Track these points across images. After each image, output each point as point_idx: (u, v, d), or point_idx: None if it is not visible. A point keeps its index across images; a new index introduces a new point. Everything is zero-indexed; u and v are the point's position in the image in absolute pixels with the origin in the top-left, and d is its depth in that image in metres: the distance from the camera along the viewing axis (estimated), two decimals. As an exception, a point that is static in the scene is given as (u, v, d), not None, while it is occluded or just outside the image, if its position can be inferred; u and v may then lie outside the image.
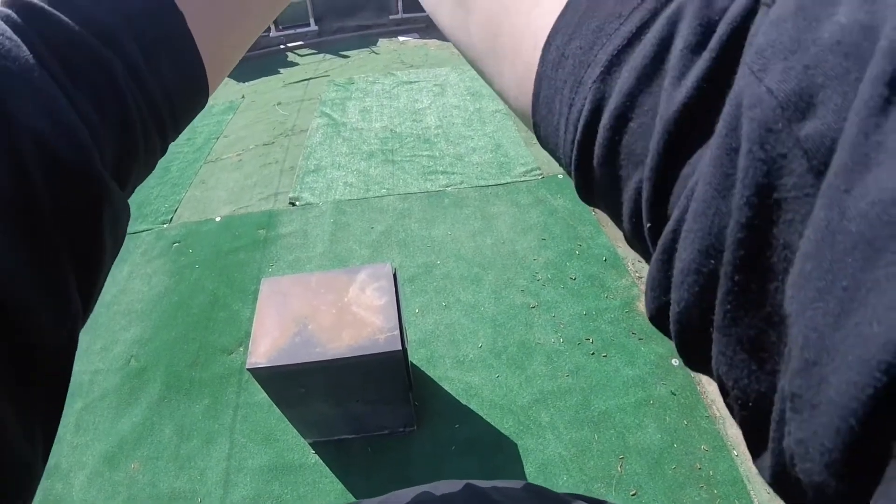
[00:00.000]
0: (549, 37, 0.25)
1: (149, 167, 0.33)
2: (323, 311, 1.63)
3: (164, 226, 3.29)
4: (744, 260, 0.15)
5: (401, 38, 6.10)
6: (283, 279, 1.77)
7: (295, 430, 2.01)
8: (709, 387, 2.20)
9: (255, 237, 3.11)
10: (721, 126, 0.16)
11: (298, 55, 5.74)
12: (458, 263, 2.83)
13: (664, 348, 2.36)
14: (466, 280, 2.73)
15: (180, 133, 0.35)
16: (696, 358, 0.18)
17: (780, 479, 0.15)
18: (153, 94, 0.30)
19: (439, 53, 5.60)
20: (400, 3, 6.19)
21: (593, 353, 2.35)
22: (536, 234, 2.99)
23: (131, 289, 2.84)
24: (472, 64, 0.34)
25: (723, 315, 0.16)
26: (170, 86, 0.31)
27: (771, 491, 1.91)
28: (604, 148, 0.21)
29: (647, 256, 0.22)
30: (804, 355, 0.13)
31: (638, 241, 0.23)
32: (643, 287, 2.44)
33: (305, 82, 5.08)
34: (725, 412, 2.12)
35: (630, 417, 2.12)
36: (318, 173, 3.63)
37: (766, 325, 0.15)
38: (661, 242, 0.19)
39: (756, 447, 0.16)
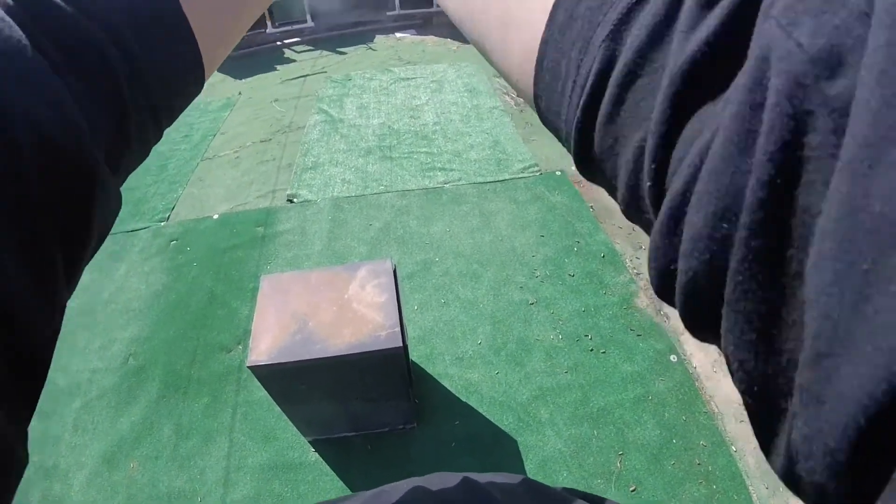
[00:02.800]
0: (556, 0, 0.25)
1: (142, 153, 0.33)
2: (323, 308, 1.62)
3: (162, 224, 3.27)
4: (763, 222, 0.14)
5: (398, 35, 6.08)
6: (283, 276, 1.77)
7: (295, 429, 2.00)
8: (707, 383, 2.21)
9: (253, 234, 3.10)
10: (744, 79, 0.15)
11: (295, 52, 5.73)
12: (457, 260, 2.83)
13: (662, 344, 2.37)
14: (465, 277, 2.73)
15: (175, 119, 0.35)
16: (704, 330, 0.18)
17: (789, 474, 0.14)
18: (147, 78, 0.29)
19: (436, 50, 5.59)
20: (397, 0, 6.17)
21: (592, 350, 2.36)
22: (535, 231, 2.99)
23: (129, 287, 2.82)
24: (478, 44, 0.34)
25: (734, 287, 0.15)
26: (165, 70, 0.31)
27: (769, 486, 1.91)
28: (609, 105, 0.21)
29: (644, 225, 0.22)
30: (816, 345, 0.12)
31: (635, 209, 0.22)
32: (641, 283, 2.45)
33: (302, 79, 5.07)
34: (724, 408, 2.13)
35: (629, 413, 2.12)
36: (315, 170, 3.63)
37: (780, 301, 0.14)
38: (666, 207, 0.18)
39: (763, 438, 0.15)
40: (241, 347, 2.44)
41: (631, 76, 0.20)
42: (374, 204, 3.28)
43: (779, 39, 0.14)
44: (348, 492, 1.91)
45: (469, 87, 4.61)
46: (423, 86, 4.71)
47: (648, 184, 0.19)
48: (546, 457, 2.01)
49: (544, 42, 0.25)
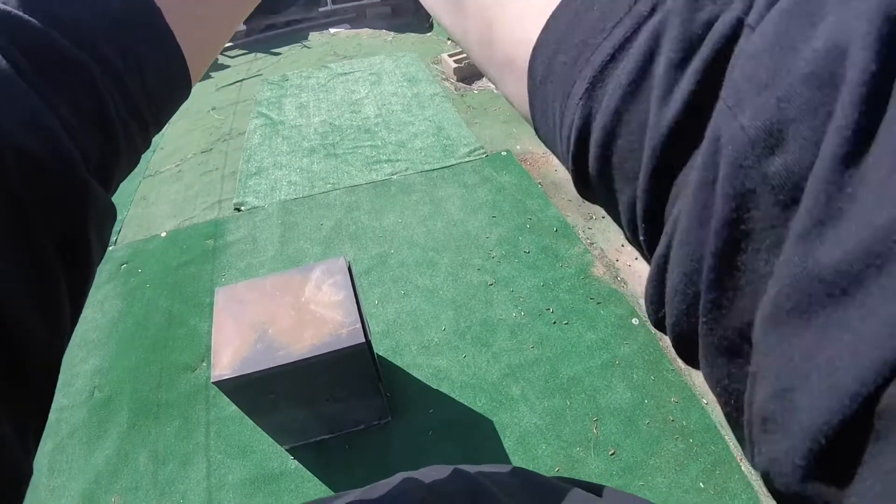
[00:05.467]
0: (533, 51, 0.25)
1: (131, 164, 0.33)
2: (282, 314, 1.61)
3: (110, 248, 3.16)
4: (715, 282, 0.17)
5: (332, 31, 5.99)
6: (238, 286, 1.74)
7: (270, 439, 1.98)
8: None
9: (204, 248, 3.03)
10: (700, 159, 0.17)
11: (229, 56, 5.57)
12: (412, 250, 2.83)
13: (623, 309, 2.43)
14: (422, 265, 2.74)
15: (163, 125, 0.35)
16: (691, 358, 0.20)
17: (769, 488, 0.16)
18: (132, 92, 0.29)
19: (372, 42, 5.53)
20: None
21: (555, 322, 2.40)
22: (486, 213, 3.01)
23: (85, 318, 2.72)
24: (479, 68, 0.34)
25: (702, 325, 0.18)
26: (150, 82, 0.31)
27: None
28: (596, 162, 0.22)
29: (645, 256, 0.24)
30: (778, 383, 0.14)
31: (637, 244, 0.24)
32: (595, 253, 2.50)
33: (238, 84, 4.94)
34: (689, 364, 2.19)
35: (598, 380, 2.18)
36: (260, 175, 3.56)
37: (738, 337, 0.17)
38: (653, 265, 0.20)
39: (742, 441, 0.18)
40: (205, 364, 2.39)
41: (610, 136, 0.21)
42: (323, 203, 3.24)
43: (726, 122, 0.16)
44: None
45: (408, 77, 4.58)
46: (362, 79, 4.65)
47: (643, 238, 0.22)
48: (523, 432, 2.04)
49: (530, 91, 0.27)
